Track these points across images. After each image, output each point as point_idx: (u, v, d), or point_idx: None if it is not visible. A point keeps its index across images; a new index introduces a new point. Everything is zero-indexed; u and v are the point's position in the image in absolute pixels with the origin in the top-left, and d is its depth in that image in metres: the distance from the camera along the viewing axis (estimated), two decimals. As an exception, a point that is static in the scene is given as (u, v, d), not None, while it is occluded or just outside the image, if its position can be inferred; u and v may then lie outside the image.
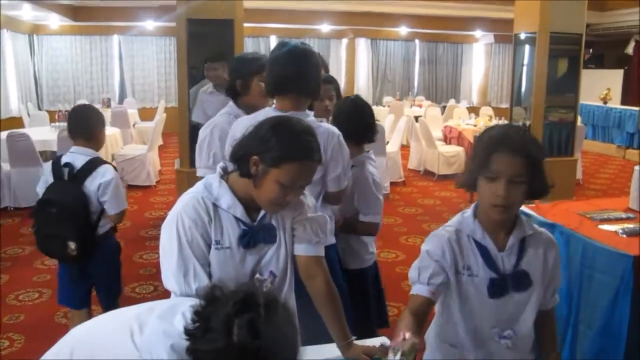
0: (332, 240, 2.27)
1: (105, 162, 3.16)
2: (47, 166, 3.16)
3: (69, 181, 3.04)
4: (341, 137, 2.44)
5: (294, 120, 1.80)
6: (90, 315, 3.22)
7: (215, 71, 4.56)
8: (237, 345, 1.17)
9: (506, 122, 8.17)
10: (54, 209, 2.99)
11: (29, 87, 12.65)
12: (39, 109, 12.57)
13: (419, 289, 1.76)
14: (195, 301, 1.32)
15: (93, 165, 3.07)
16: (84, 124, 3.18)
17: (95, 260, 3.12)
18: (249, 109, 2.81)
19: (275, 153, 1.68)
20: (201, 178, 1.92)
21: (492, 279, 1.75)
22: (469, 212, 1.82)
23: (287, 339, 1.24)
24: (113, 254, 3.30)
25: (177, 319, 1.34)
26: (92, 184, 3.03)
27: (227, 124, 2.72)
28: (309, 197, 1.99)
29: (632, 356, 2.90)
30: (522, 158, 1.63)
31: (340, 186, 2.49)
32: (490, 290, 1.75)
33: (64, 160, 3.09)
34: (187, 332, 1.23)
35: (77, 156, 3.09)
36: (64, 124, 8.37)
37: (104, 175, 3.05)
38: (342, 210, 2.78)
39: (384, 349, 1.88)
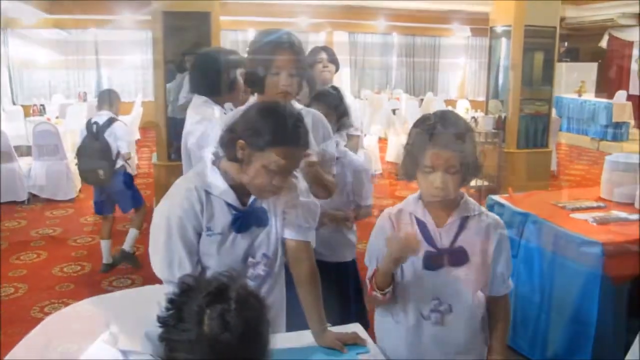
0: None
1: (118, 119, 4.99)
2: (83, 125, 4.97)
3: (96, 133, 4.79)
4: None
5: (282, 105, 1.79)
6: (114, 220, 5.17)
7: None
8: (208, 337, 1.19)
9: (482, 113, 8.25)
10: (88, 151, 4.79)
11: (2, 82, 12.43)
12: (14, 103, 12.38)
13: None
14: (169, 289, 1.34)
15: (110, 122, 4.89)
16: (108, 98, 5.13)
17: (115, 184, 4.87)
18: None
19: (261, 137, 1.68)
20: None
21: (427, 251, 1.81)
22: (416, 194, 1.91)
23: (257, 332, 1.26)
24: (126, 179, 5.01)
25: (151, 306, 1.35)
26: (110, 134, 4.81)
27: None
28: (301, 181, 1.97)
29: (601, 342, 2.96)
30: (453, 151, 1.72)
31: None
32: (424, 262, 1.82)
33: (92, 120, 4.89)
34: (160, 320, 1.25)
35: (101, 117, 4.91)
36: (39, 119, 8.31)
37: (119, 127, 4.90)
38: (339, 205, 2.84)
39: (357, 336, 1.93)
